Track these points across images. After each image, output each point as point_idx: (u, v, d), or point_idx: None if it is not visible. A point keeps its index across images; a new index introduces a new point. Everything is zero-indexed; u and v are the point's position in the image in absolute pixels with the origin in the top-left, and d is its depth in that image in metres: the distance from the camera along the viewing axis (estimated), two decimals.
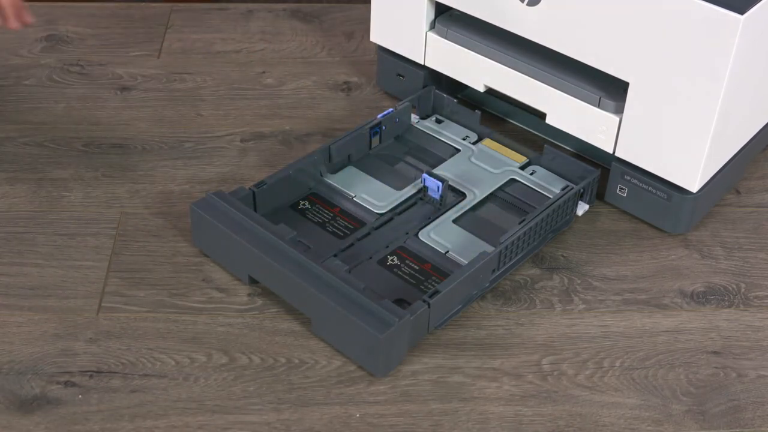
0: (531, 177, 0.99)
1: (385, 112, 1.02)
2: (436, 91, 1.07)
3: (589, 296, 0.90)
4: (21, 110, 1.11)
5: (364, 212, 0.95)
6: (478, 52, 1.03)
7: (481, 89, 1.05)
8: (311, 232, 0.92)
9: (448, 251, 0.91)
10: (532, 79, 0.99)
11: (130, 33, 1.25)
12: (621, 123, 0.94)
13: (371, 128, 1.01)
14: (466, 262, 0.87)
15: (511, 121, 1.11)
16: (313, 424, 0.78)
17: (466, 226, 0.94)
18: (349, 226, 0.93)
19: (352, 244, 0.91)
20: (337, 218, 0.94)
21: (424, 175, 0.93)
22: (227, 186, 0.99)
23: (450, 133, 1.05)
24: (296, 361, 0.83)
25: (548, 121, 1.00)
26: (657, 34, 0.87)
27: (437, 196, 0.93)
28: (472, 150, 1.03)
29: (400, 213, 0.95)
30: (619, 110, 0.94)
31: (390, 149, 1.03)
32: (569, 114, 0.98)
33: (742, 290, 0.92)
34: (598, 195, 1.00)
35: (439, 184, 0.92)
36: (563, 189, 0.96)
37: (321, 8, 1.32)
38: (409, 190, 0.97)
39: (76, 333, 0.84)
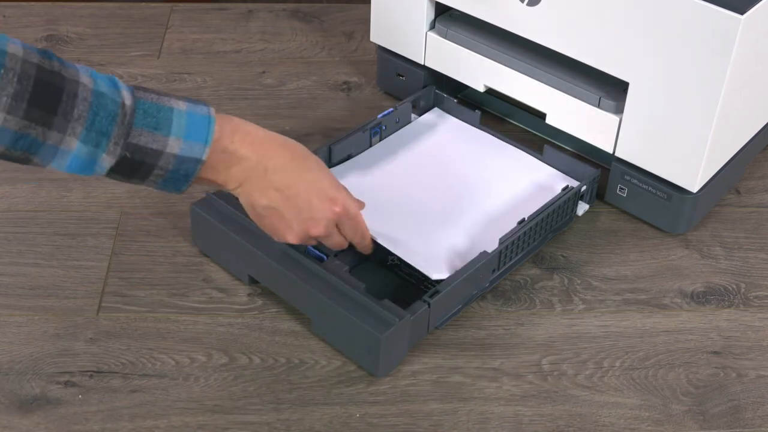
0: None
1: (385, 112, 1.02)
2: (437, 90, 1.07)
3: (589, 296, 0.90)
4: None
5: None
6: (478, 52, 1.03)
7: (481, 89, 1.05)
8: None
9: None
10: (532, 79, 0.99)
11: (130, 33, 1.25)
12: (621, 123, 0.94)
13: (371, 128, 1.01)
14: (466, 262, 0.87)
15: (511, 121, 1.11)
16: (313, 424, 0.77)
17: None
18: None
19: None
20: None
21: (309, 248, 0.86)
22: None
23: None
24: (296, 361, 0.83)
25: (548, 121, 1.00)
26: (657, 34, 0.86)
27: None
28: None
29: None
30: (619, 110, 0.94)
31: None
32: (569, 114, 0.98)
33: (742, 290, 0.92)
34: (598, 195, 1.00)
35: (323, 257, 0.86)
36: (563, 189, 0.96)
37: (321, 8, 1.32)
38: None
39: (76, 333, 0.84)
